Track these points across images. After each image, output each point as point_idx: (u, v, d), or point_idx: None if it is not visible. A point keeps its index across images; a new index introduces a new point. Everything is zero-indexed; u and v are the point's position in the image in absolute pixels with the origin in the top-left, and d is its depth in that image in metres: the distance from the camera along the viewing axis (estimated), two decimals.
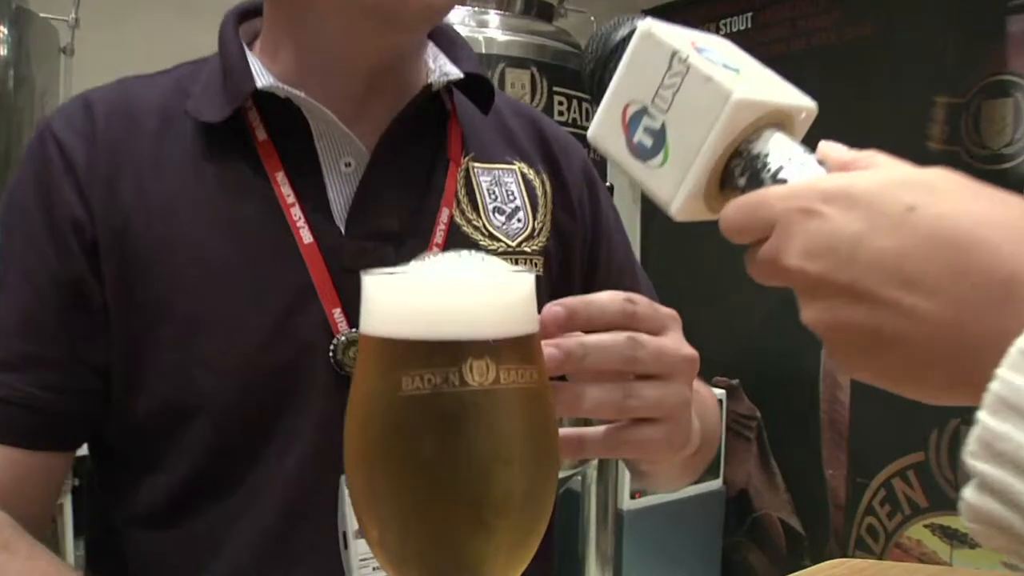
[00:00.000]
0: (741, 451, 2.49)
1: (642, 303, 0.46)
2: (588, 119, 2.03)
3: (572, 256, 0.75)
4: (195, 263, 0.62)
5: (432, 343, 0.32)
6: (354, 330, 0.62)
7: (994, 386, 0.30)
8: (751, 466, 2.49)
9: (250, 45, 0.69)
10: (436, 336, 0.32)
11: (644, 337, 0.45)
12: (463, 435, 0.32)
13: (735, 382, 2.47)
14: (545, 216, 0.74)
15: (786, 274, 0.37)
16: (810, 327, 0.37)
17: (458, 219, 0.68)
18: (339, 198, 0.65)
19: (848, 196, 0.35)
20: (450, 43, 0.72)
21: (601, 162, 2.08)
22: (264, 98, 0.63)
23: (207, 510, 0.63)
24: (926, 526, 2.12)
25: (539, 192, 0.74)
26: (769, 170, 0.40)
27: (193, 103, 0.65)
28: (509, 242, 0.70)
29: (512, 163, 0.74)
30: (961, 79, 2.08)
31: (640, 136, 0.42)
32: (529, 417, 0.34)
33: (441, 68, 0.69)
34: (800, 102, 0.43)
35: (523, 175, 0.74)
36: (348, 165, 0.65)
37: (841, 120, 2.29)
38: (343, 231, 0.64)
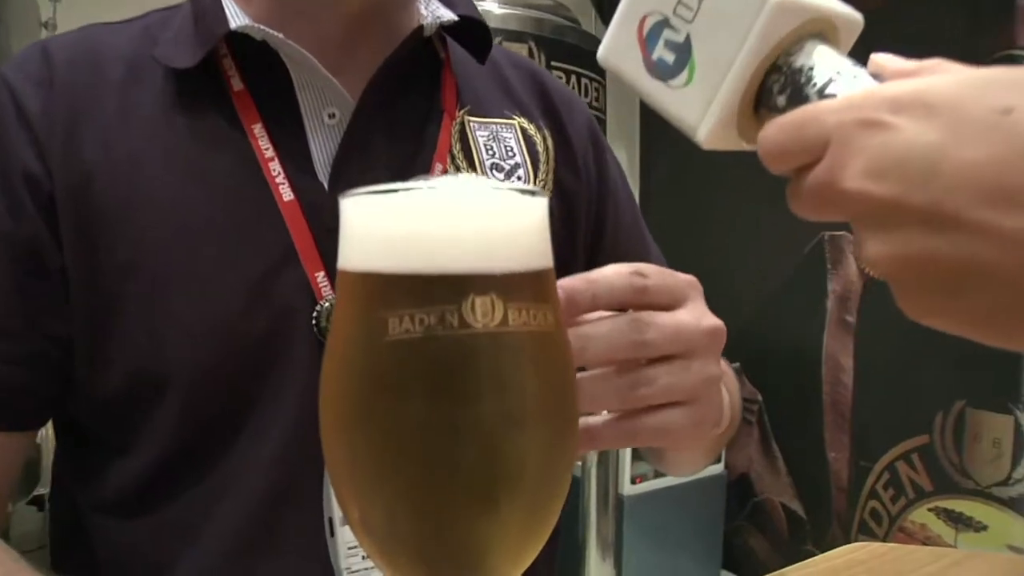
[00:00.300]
0: (742, 435, 2.45)
1: (654, 274, 0.40)
2: (585, 96, 1.98)
3: (576, 216, 0.69)
4: (164, 221, 0.56)
5: (426, 276, 0.26)
6: None
7: None
8: (752, 450, 2.45)
9: None
10: (431, 268, 0.26)
11: (653, 316, 0.39)
12: (464, 389, 0.26)
13: (736, 365, 2.43)
14: (547, 174, 0.68)
15: (843, 200, 0.30)
16: (874, 265, 0.30)
17: (453, 175, 0.63)
18: (322, 152, 0.59)
19: (923, 102, 0.29)
20: None
21: None
22: (240, 43, 0.58)
23: (181, 495, 0.57)
24: (930, 510, 2.08)
25: (540, 148, 0.69)
26: (815, 85, 0.34)
27: (162, 49, 0.59)
28: None
29: (511, 117, 0.68)
30: (971, 54, 2.03)
31: (660, 52, 0.36)
32: (545, 368, 0.28)
33: (434, 12, 0.63)
34: (846, 11, 0.37)
35: (523, 130, 0.68)
36: (332, 116, 0.59)
37: None
38: (326, 187, 0.58)
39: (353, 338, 0.27)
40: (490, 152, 0.65)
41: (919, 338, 2.08)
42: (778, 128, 0.33)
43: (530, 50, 1.83)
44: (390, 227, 0.27)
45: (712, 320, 0.41)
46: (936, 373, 2.04)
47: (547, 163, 0.68)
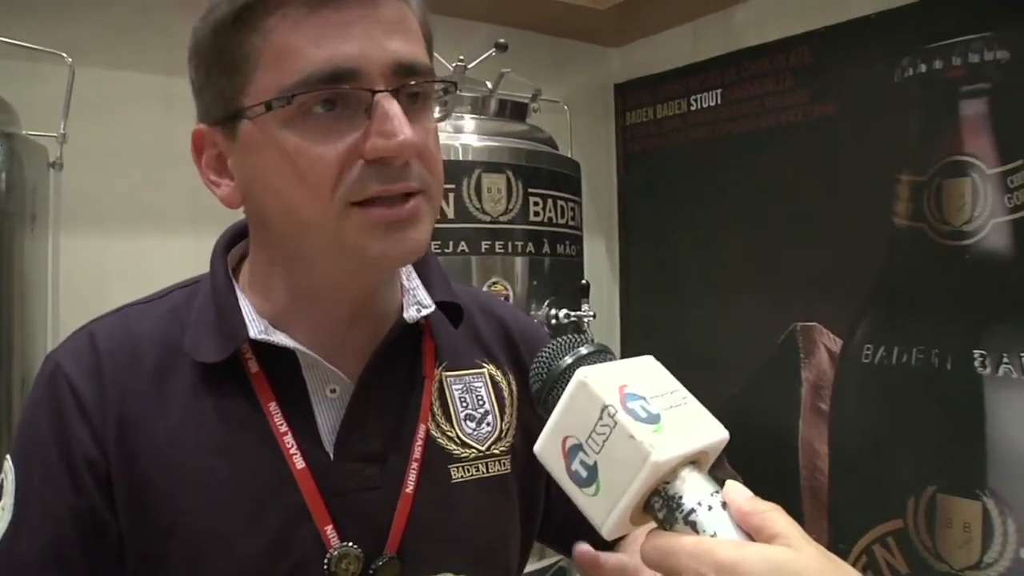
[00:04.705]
0: None
1: None
2: (562, 216, 2.08)
3: None
4: (199, 488, 0.67)
5: None
6: (345, 544, 0.68)
7: None
8: None
9: (237, 269, 0.75)
10: None
11: None
12: None
13: None
14: (511, 416, 0.79)
15: None
16: None
17: (433, 432, 0.74)
18: (326, 423, 0.70)
19: (734, 573, 0.44)
20: (423, 263, 0.77)
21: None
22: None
23: None
24: None
25: (506, 393, 0.79)
26: (683, 510, 0.47)
27: (190, 341, 0.70)
28: (479, 447, 0.76)
29: (482, 366, 0.79)
30: (922, 158, 2.13)
31: (577, 466, 0.49)
32: None
33: (414, 293, 0.75)
34: (711, 440, 0.50)
35: (491, 377, 0.79)
36: (333, 391, 0.70)
37: (812, 194, 2.34)
38: (331, 456, 0.69)
39: None
40: (464, 404, 0.76)
41: (890, 426, 2.15)
42: (653, 548, 0.48)
43: (508, 179, 1.92)
44: None
45: None
46: (907, 460, 2.11)
47: (511, 405, 0.79)
